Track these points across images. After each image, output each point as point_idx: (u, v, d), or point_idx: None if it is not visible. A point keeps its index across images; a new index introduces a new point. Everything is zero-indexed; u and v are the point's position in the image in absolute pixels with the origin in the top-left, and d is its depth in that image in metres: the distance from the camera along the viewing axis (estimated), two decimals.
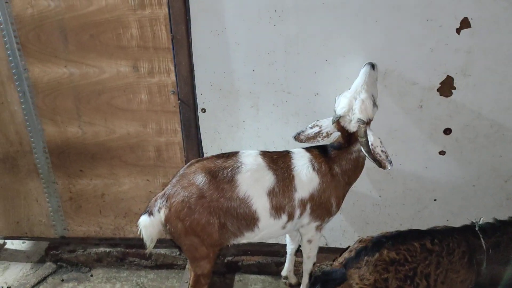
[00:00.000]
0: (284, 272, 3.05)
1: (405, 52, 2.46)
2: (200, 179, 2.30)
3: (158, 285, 3.18)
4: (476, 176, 2.71)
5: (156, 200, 2.37)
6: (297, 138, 2.44)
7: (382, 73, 2.52)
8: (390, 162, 2.23)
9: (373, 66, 2.38)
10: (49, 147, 2.99)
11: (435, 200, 2.82)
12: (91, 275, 3.28)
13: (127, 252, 3.31)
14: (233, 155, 2.41)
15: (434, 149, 2.69)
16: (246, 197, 2.31)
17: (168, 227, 2.34)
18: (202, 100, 2.76)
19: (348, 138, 2.37)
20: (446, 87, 2.52)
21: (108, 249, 3.33)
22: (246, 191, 2.31)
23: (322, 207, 2.44)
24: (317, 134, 2.41)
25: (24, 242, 3.60)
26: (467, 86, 2.49)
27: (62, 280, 3.24)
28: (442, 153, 2.69)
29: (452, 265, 2.05)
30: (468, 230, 2.16)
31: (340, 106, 2.31)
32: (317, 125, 2.41)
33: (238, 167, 2.34)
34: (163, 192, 2.37)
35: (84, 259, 3.35)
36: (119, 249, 3.32)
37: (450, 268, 2.04)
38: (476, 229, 2.17)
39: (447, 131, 2.63)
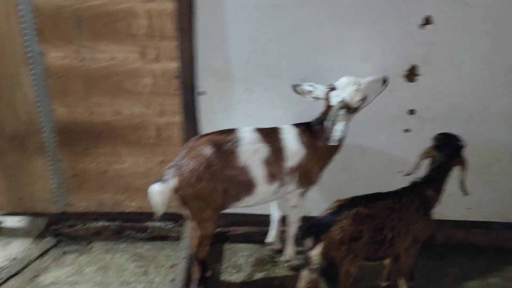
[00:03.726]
0: (269, 238, 3.37)
1: (378, 44, 2.94)
2: (207, 150, 2.64)
3: (155, 254, 3.44)
4: None
5: (168, 169, 2.66)
6: (295, 88, 2.85)
7: (359, 61, 2.97)
8: (335, 141, 2.67)
9: (384, 80, 2.76)
10: (57, 126, 3.23)
11: (400, 172, 3.24)
12: (91, 248, 3.51)
13: (125, 225, 3.57)
14: (233, 130, 2.78)
15: (401, 127, 3.17)
16: (246, 166, 2.69)
17: (179, 193, 2.64)
18: (201, 84, 3.10)
19: (327, 111, 2.76)
20: (411, 74, 3.00)
21: (106, 223, 3.57)
22: (245, 161, 2.68)
23: (307, 176, 2.85)
24: (308, 92, 2.82)
25: (23, 219, 3.76)
26: (428, 73, 2.99)
27: (64, 252, 3.45)
28: (407, 131, 3.17)
29: (411, 218, 2.50)
30: (416, 186, 2.62)
31: (339, 82, 2.72)
32: (312, 86, 2.81)
33: (238, 140, 2.71)
34: (174, 162, 2.67)
35: (83, 233, 3.58)
36: (117, 223, 3.57)
37: (409, 221, 2.50)
38: (417, 183, 2.62)
39: (412, 112, 3.11)
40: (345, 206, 2.39)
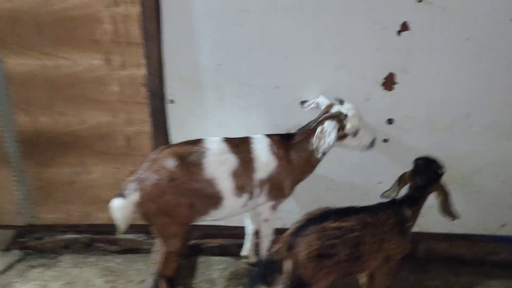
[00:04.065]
0: (244, 252, 3.26)
1: (354, 51, 2.81)
2: (170, 163, 2.51)
3: (125, 269, 3.33)
4: None
5: (129, 184, 2.54)
6: (303, 104, 2.85)
7: (334, 69, 2.85)
8: (323, 153, 2.58)
9: (373, 141, 2.75)
10: (20, 136, 3.09)
11: (380, 183, 3.17)
12: (59, 261, 3.39)
13: (94, 238, 3.45)
14: (199, 141, 2.65)
15: (379, 137, 3.03)
16: (212, 178, 2.56)
17: (141, 209, 2.52)
18: (171, 92, 2.97)
19: (319, 121, 2.64)
20: (389, 82, 2.88)
21: (75, 236, 3.44)
22: (211, 173, 2.56)
23: (278, 188, 2.73)
24: (317, 105, 2.79)
25: None
26: (406, 82, 2.86)
27: (30, 266, 3.32)
28: (386, 140, 3.04)
29: (385, 235, 2.37)
30: (395, 204, 2.50)
31: (345, 104, 2.67)
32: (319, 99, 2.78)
33: (204, 152, 2.58)
34: (135, 176, 2.55)
35: (51, 246, 3.45)
36: (86, 235, 3.44)
37: (384, 238, 2.37)
38: (395, 201, 2.51)
39: (390, 121, 2.99)
40: (313, 220, 2.26)
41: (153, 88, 2.93)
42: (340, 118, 2.62)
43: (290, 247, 2.18)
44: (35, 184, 3.26)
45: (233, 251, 3.40)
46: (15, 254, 3.44)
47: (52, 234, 3.45)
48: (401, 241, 2.45)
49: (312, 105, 2.82)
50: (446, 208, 2.52)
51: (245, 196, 2.67)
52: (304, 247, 2.17)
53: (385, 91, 2.90)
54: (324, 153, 2.59)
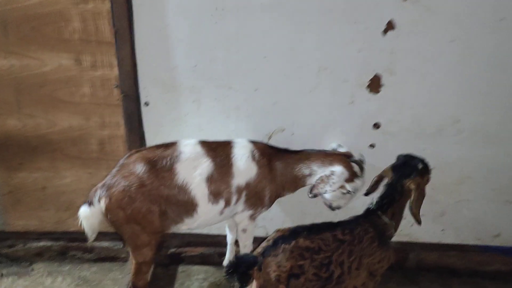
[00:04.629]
0: (226, 262, 3.13)
1: (336, 52, 2.65)
2: (140, 168, 2.37)
3: (101, 278, 3.19)
4: None
5: (96, 191, 2.41)
6: None
7: (316, 71, 2.70)
8: (314, 196, 2.54)
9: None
10: None
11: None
12: (32, 269, 3.25)
13: (69, 246, 3.30)
14: (172, 144, 2.51)
15: (365, 143, 2.89)
16: (185, 184, 2.42)
17: (109, 217, 2.39)
18: (145, 94, 2.82)
19: (322, 155, 2.57)
20: (375, 85, 2.73)
21: (49, 243, 3.30)
22: (184, 179, 2.41)
23: (256, 197, 2.58)
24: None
25: None
26: (392, 84, 2.70)
27: (1, 275, 3.19)
28: (372, 146, 2.89)
29: (364, 251, 2.21)
30: (370, 213, 2.34)
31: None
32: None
33: (177, 156, 2.44)
34: (103, 182, 2.41)
35: (24, 254, 3.30)
36: (60, 243, 3.30)
37: (363, 254, 2.20)
38: (371, 209, 2.36)
39: (376, 126, 2.84)
40: (283, 238, 2.10)
41: (126, 90, 2.79)
42: (355, 174, 2.52)
43: (259, 268, 2.02)
44: (4, 189, 3.12)
45: (215, 260, 3.27)
46: None
47: (25, 242, 3.30)
48: (383, 254, 2.30)
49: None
50: (414, 208, 2.31)
51: (221, 203, 2.52)
52: (273, 268, 2.02)
53: (371, 94, 2.75)
54: (315, 196, 2.51)
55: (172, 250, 3.31)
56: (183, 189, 2.42)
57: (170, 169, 2.41)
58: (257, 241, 2.95)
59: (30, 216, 3.23)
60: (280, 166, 2.59)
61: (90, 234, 2.46)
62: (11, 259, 3.32)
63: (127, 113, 2.86)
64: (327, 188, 2.48)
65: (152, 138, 2.96)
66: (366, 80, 2.73)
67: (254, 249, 2.29)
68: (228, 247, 3.10)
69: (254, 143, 2.62)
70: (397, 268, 3.07)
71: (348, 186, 2.52)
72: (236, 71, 2.74)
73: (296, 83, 2.73)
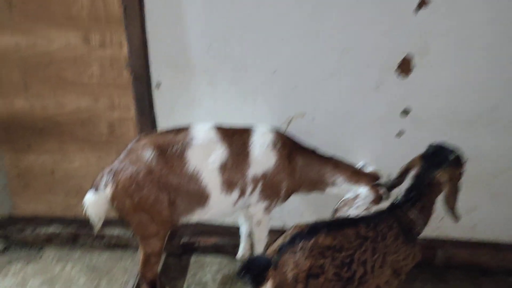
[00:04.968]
0: (240, 254, 2.99)
1: (361, 33, 2.44)
2: (148, 154, 2.23)
3: (111, 266, 3.09)
4: None
5: (102, 176, 2.28)
6: None
7: (338, 53, 2.49)
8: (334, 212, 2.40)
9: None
10: None
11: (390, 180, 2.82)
12: (41, 256, 3.16)
13: (79, 232, 3.21)
14: (184, 129, 2.35)
15: (391, 131, 2.68)
16: (196, 172, 2.26)
17: (115, 204, 2.26)
18: (156, 75, 2.66)
19: (350, 171, 2.45)
20: (404, 67, 2.50)
21: (59, 229, 3.21)
22: (196, 166, 2.26)
23: (272, 189, 2.42)
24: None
25: None
26: (425, 66, 2.48)
27: (11, 260, 3.11)
28: (399, 134, 2.68)
29: (388, 248, 2.01)
30: (395, 208, 2.14)
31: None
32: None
33: (189, 142, 2.28)
34: (109, 167, 2.28)
35: (34, 239, 3.23)
36: (70, 229, 3.21)
37: (387, 252, 2.00)
38: (396, 203, 2.15)
39: (405, 113, 2.62)
40: (301, 234, 1.91)
41: (136, 70, 2.63)
42: (381, 197, 2.41)
43: (275, 266, 1.85)
44: (12, 172, 3.03)
45: (229, 251, 3.14)
46: None
47: (34, 227, 3.22)
48: (409, 251, 2.09)
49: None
50: (449, 204, 2.09)
51: (235, 194, 2.36)
52: (291, 267, 1.84)
53: (400, 78, 2.53)
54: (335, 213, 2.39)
55: (185, 239, 3.18)
56: (194, 178, 2.26)
57: (180, 156, 2.25)
58: (274, 233, 2.80)
59: (39, 200, 3.14)
60: (302, 162, 2.44)
61: (96, 222, 2.33)
62: (21, 244, 3.24)
63: (138, 94, 2.71)
64: (352, 211, 2.34)
65: (164, 121, 2.81)
66: (395, 63, 2.50)
67: (269, 244, 2.14)
68: (242, 239, 2.95)
69: (276, 132, 2.45)
70: (425, 265, 2.86)
71: (373, 208, 2.37)
72: (252, 53, 2.55)
73: (317, 65, 2.53)
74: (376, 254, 1.97)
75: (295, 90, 2.61)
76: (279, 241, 1.98)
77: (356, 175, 2.44)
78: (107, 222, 2.41)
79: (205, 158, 2.27)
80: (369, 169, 2.52)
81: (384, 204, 2.37)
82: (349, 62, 2.49)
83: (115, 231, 3.19)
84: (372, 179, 2.43)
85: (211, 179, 2.28)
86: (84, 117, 2.82)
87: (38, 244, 3.24)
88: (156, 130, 2.81)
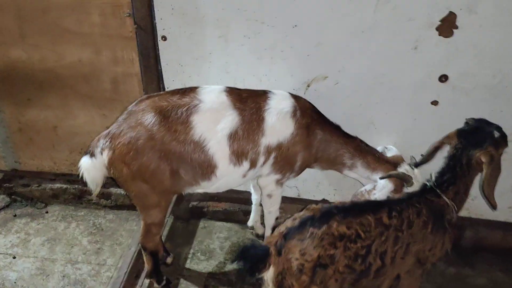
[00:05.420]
0: (250, 222, 2.85)
1: None
2: (149, 118, 2.01)
3: (116, 227, 2.98)
4: None
5: (98, 140, 2.08)
6: None
7: (373, 5, 2.14)
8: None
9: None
10: None
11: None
12: (46, 212, 3.07)
13: (85, 189, 3.06)
14: (191, 91, 2.11)
15: (426, 99, 2.39)
16: (202, 140, 2.04)
17: (112, 171, 2.08)
18: (162, 26, 2.41)
19: (371, 157, 2.26)
20: (447, 26, 2.17)
21: (64, 186, 3.10)
22: (202, 134, 2.03)
23: (286, 161, 2.20)
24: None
25: None
26: (471, 26, 2.15)
27: (15, 216, 3.03)
28: (434, 103, 2.38)
29: (414, 237, 1.79)
30: (427, 192, 1.89)
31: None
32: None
33: (196, 105, 2.05)
34: (107, 131, 2.08)
35: (39, 194, 3.14)
36: (76, 186, 3.09)
37: (412, 241, 1.79)
38: (428, 186, 1.90)
39: (443, 78, 2.30)
40: (312, 219, 1.67)
41: (140, 19, 2.37)
42: (401, 186, 2.20)
43: (279, 252, 1.63)
44: (14, 126, 2.92)
45: (239, 217, 2.99)
46: (1, 200, 3.15)
47: (40, 182, 3.12)
48: (438, 241, 1.85)
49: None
50: (488, 188, 1.83)
51: (245, 165, 2.14)
52: (296, 255, 1.62)
53: (441, 38, 2.20)
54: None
55: (194, 203, 3.02)
56: (199, 146, 2.04)
57: (185, 121, 2.02)
58: (287, 201, 2.58)
59: (43, 156, 3.03)
60: (322, 137, 2.22)
61: (94, 187, 2.16)
62: (26, 199, 3.15)
63: (142, 47, 2.48)
64: (369, 197, 2.21)
65: (171, 78, 2.58)
66: (437, 20, 2.16)
67: (278, 224, 1.92)
68: (253, 207, 2.79)
69: (297, 98, 2.20)
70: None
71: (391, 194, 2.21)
72: (271, 2, 2.24)
73: (346, 19, 2.23)
74: (398, 244, 1.76)
75: (318, 48, 2.33)
76: (288, 223, 1.76)
77: (376, 162, 2.24)
78: (113, 181, 2.23)
79: (214, 124, 2.05)
80: (391, 152, 2.31)
81: (414, 187, 2.13)
82: (385, 16, 2.18)
83: (122, 190, 3.03)
84: (392, 166, 2.22)
85: (219, 148, 2.06)
86: (85, 71, 2.63)
87: (44, 200, 3.15)
88: (162, 89, 2.58)
